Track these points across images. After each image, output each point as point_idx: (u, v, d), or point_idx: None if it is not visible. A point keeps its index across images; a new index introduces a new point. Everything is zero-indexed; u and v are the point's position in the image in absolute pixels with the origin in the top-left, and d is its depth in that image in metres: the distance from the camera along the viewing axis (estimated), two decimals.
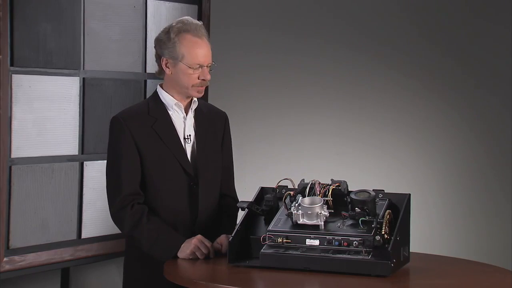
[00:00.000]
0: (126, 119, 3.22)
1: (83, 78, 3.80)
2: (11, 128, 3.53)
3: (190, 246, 3.10)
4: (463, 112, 5.64)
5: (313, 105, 5.09)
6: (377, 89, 5.32)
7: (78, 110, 3.79)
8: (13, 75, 3.52)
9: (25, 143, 3.58)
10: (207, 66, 3.24)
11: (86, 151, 3.82)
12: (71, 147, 3.78)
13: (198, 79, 3.23)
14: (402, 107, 5.43)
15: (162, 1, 4.11)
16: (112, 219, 3.23)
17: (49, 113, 3.67)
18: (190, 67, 3.21)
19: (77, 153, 3.80)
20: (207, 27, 4.31)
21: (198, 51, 3.21)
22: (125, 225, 3.17)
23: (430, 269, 3.03)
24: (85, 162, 3.82)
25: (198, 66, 3.21)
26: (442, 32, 5.55)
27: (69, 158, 3.77)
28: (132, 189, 3.19)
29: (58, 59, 3.69)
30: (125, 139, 3.20)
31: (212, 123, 3.37)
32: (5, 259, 3.52)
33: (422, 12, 5.49)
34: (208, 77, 3.24)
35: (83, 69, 3.80)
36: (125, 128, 3.20)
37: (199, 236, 3.13)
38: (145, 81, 4.06)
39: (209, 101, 4.32)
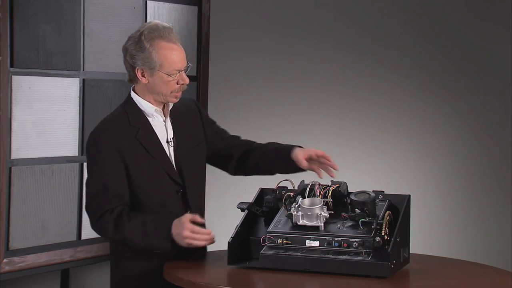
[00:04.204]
0: (108, 131, 3.14)
1: (83, 79, 3.80)
2: (11, 129, 3.53)
3: (183, 239, 3.03)
4: (463, 113, 5.64)
5: (312, 106, 5.09)
6: (377, 90, 5.33)
7: (78, 111, 3.79)
8: (13, 76, 3.52)
9: (25, 144, 3.58)
10: (184, 70, 3.17)
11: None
12: (71, 148, 3.78)
13: (177, 84, 3.16)
14: (402, 108, 5.43)
15: (161, 2, 4.11)
16: (94, 230, 3.15)
17: (49, 114, 3.67)
18: (169, 75, 3.13)
19: (76, 154, 3.80)
20: (207, 28, 4.31)
21: (175, 58, 3.13)
22: (109, 230, 3.08)
23: (430, 270, 3.03)
24: (85, 164, 3.81)
25: (176, 72, 3.14)
26: (442, 33, 5.55)
27: (69, 159, 3.77)
28: (119, 200, 3.10)
29: (58, 60, 3.69)
30: (109, 151, 3.11)
31: (187, 116, 3.31)
32: (4, 260, 3.52)
33: (422, 13, 5.49)
34: (187, 80, 3.17)
35: (83, 70, 3.80)
36: (107, 141, 3.12)
37: (188, 225, 3.03)
38: None
39: (209, 102, 4.32)
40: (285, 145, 3.33)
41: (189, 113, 3.33)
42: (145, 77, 3.14)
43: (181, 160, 3.23)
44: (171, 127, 3.25)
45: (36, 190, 3.64)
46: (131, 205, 3.15)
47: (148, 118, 3.20)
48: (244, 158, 3.37)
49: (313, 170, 3.23)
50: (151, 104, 3.20)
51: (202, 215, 3.26)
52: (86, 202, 3.17)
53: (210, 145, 3.37)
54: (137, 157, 3.14)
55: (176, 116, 3.27)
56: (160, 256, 3.13)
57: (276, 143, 3.38)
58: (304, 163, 3.19)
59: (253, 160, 3.36)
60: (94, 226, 3.15)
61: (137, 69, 3.14)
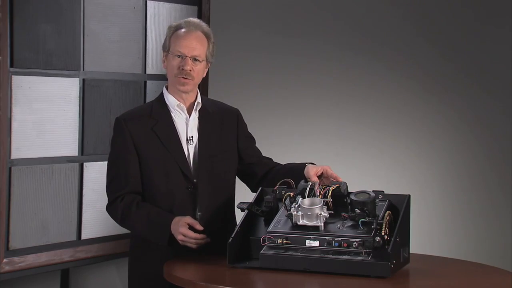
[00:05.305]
0: (127, 120, 3.26)
1: (83, 79, 3.80)
2: (11, 129, 3.53)
3: (178, 237, 3.13)
4: (462, 113, 5.64)
5: (312, 106, 5.09)
6: (377, 90, 5.32)
7: (78, 111, 3.79)
8: (13, 76, 3.52)
9: (25, 144, 3.58)
10: (190, 57, 3.23)
11: (86, 152, 3.82)
12: (71, 148, 3.78)
13: (179, 68, 3.23)
14: (402, 108, 5.43)
15: (161, 2, 4.11)
16: (107, 212, 3.29)
17: (49, 114, 3.67)
18: (172, 55, 3.24)
19: (76, 154, 3.80)
20: None
21: (181, 40, 3.24)
22: (118, 217, 3.23)
23: (430, 270, 3.03)
24: (84, 163, 3.82)
25: (179, 53, 3.23)
26: (442, 34, 5.55)
27: (69, 159, 3.77)
28: (128, 186, 3.22)
29: (58, 60, 3.69)
30: (124, 140, 3.24)
31: (221, 122, 3.37)
32: (4, 260, 3.52)
33: (422, 14, 5.49)
34: (187, 67, 3.23)
35: (83, 70, 3.80)
36: (124, 129, 3.24)
37: (182, 229, 3.11)
38: (145, 82, 4.06)
39: None
40: (299, 164, 3.37)
41: (225, 120, 3.39)
42: (164, 63, 3.30)
43: (200, 160, 3.27)
44: (195, 125, 3.30)
45: (36, 190, 3.64)
46: (143, 194, 3.25)
47: (171, 113, 3.28)
48: (265, 177, 3.42)
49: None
50: (175, 99, 3.29)
51: (214, 217, 3.28)
52: (106, 184, 3.31)
53: (240, 158, 3.41)
54: (150, 147, 3.23)
55: (207, 117, 3.34)
56: (177, 254, 3.17)
57: (293, 163, 3.43)
58: (314, 179, 3.22)
59: (270, 180, 3.38)
60: (107, 210, 3.29)
61: (163, 56, 3.31)
